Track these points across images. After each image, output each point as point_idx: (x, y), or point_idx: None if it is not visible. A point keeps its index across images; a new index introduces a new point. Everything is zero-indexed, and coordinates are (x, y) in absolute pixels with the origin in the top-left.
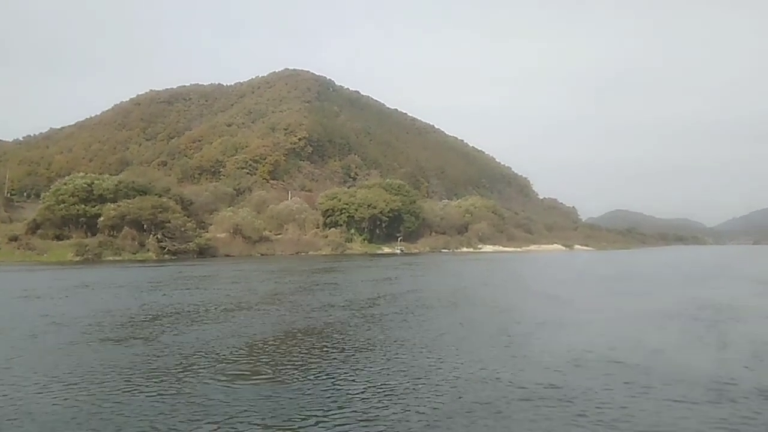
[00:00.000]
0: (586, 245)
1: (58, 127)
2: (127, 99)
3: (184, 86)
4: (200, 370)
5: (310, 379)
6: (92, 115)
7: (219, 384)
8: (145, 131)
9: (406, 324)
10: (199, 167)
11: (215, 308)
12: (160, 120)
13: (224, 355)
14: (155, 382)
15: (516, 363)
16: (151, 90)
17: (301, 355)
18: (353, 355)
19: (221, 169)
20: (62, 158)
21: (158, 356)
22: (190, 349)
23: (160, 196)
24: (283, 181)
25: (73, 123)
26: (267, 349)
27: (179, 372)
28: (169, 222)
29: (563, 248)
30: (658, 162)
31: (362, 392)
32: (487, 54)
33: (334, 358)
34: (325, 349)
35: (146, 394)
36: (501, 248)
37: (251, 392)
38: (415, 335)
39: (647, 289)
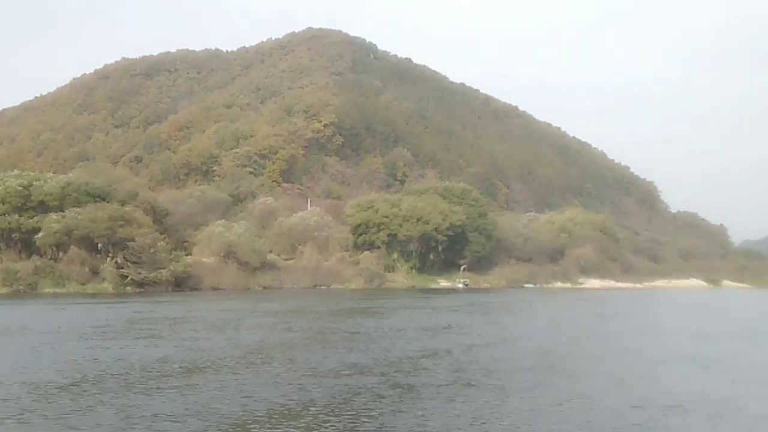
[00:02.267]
0: (741, 281)
1: None
2: (91, 71)
3: (169, 53)
4: None
5: None
6: (43, 94)
7: None
8: (114, 115)
9: (460, 403)
10: (186, 164)
11: (172, 369)
12: (134, 99)
13: None
14: None
15: None
16: (123, 58)
17: None
18: None
19: (215, 168)
20: (1, 151)
21: None
22: None
23: (123, 204)
24: (301, 184)
25: (17, 104)
26: None
27: None
28: (133, 240)
29: (705, 284)
30: None
31: None
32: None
33: None
34: None
35: None
36: (613, 283)
37: None
38: (472, 423)
39: None
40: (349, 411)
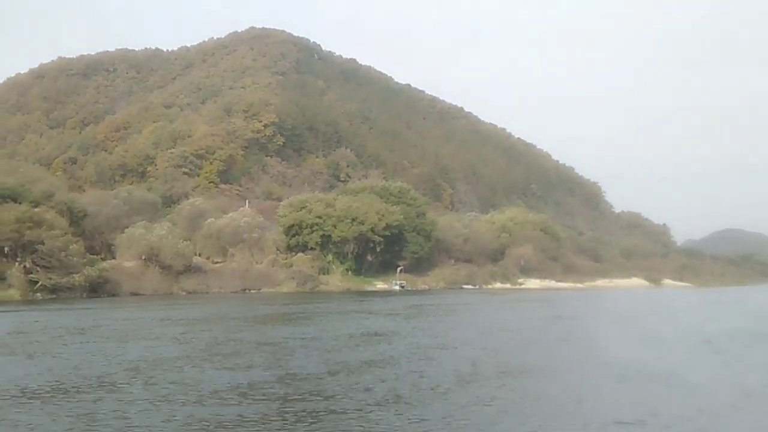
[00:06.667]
0: (681, 280)
1: None
2: (26, 70)
3: (107, 52)
4: None
5: None
6: None
7: None
8: (50, 116)
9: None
10: (122, 166)
11: (16, 394)
12: (71, 100)
13: None
14: None
15: None
16: (60, 57)
17: None
18: None
19: (150, 169)
20: None
21: None
22: None
23: (36, 205)
24: (240, 185)
25: None
26: None
27: None
28: (43, 244)
29: (646, 283)
30: None
31: None
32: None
33: None
34: None
35: None
36: (553, 283)
37: None
38: None
39: None
40: None
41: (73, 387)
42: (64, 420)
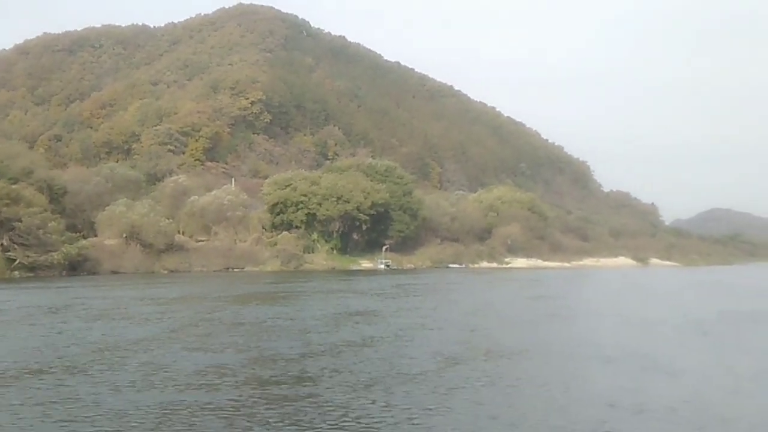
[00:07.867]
0: (668, 259)
1: None
2: (11, 46)
3: (93, 28)
4: None
5: None
6: None
7: None
8: (34, 92)
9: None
10: (107, 143)
11: None
12: (56, 76)
13: None
14: None
15: None
16: (45, 33)
17: None
18: None
19: (136, 146)
20: None
21: None
22: None
23: (14, 182)
24: (226, 163)
25: None
26: None
27: None
28: (21, 221)
29: (633, 263)
30: None
31: None
32: None
33: None
34: None
35: None
36: (540, 262)
37: None
38: None
39: None
40: None
41: (34, 370)
42: (19, 406)
